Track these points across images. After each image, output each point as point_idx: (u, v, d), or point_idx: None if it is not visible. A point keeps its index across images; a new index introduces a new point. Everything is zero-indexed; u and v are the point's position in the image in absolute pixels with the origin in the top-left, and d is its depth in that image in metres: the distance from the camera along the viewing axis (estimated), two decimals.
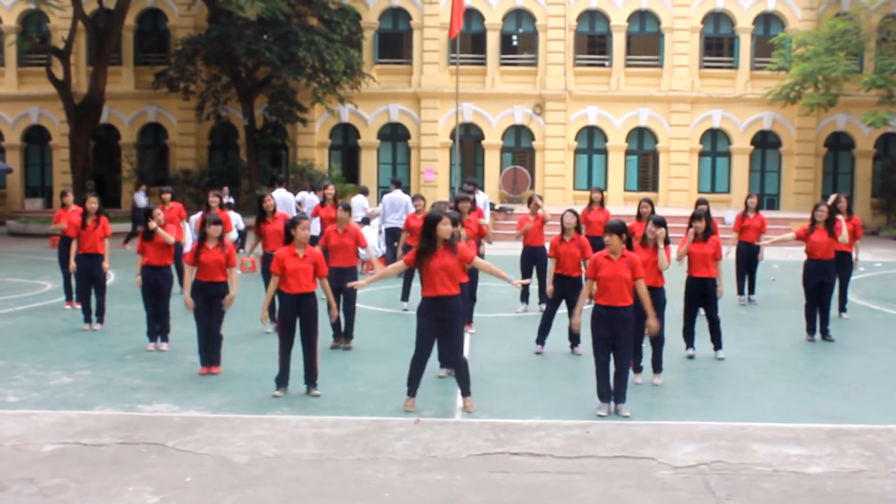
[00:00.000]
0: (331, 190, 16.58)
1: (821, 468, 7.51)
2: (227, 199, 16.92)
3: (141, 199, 26.50)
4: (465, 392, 9.28)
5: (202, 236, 10.83)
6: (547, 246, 12.66)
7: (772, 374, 11.11)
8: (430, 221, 9.10)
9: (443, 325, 9.13)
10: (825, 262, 13.06)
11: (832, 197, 14.70)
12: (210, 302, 10.78)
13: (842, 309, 14.93)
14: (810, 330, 13.15)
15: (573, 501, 6.79)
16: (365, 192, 23.40)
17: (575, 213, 12.18)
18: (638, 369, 10.46)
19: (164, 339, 12.16)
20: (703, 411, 9.41)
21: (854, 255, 14.87)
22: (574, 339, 12.03)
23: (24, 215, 33.78)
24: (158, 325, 12.19)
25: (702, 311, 12.01)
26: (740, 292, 16.31)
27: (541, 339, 12.15)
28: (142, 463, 7.50)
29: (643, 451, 7.89)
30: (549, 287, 11.96)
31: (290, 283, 9.76)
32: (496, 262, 17.41)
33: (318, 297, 9.98)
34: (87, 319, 13.61)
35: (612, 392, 9.22)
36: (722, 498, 6.84)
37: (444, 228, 9.04)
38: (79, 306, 14.28)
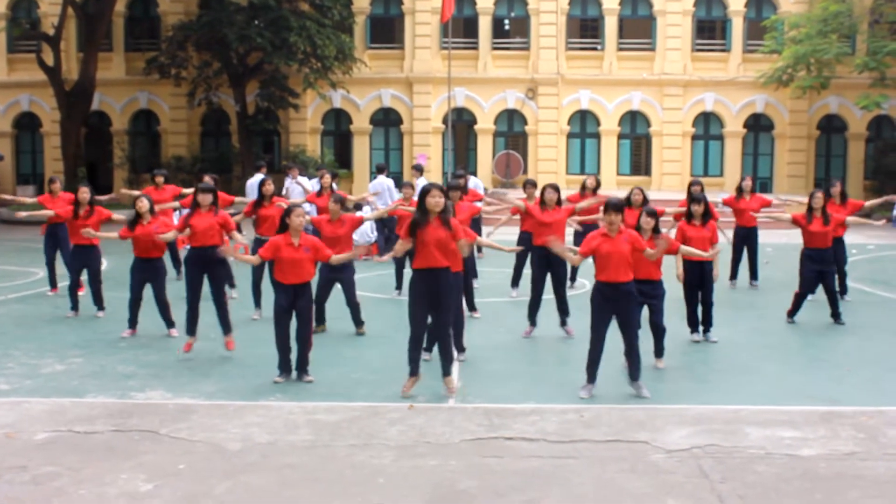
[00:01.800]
0: (326, 179, 16.17)
1: (814, 451, 7.52)
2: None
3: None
4: (447, 371, 9.27)
5: (194, 205, 10.92)
6: None
7: (765, 357, 11.13)
8: (421, 194, 9.13)
9: (435, 299, 9.08)
10: (823, 251, 13.06)
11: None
12: (206, 270, 10.79)
13: (843, 292, 14.91)
14: (792, 313, 13.19)
15: (568, 486, 6.79)
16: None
17: (556, 189, 12.13)
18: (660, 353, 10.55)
19: (171, 326, 12.09)
20: (697, 395, 9.43)
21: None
22: (563, 313, 12.06)
23: (16, 203, 33.61)
24: (162, 316, 12.06)
25: None
26: (733, 276, 16.31)
27: (532, 318, 12.14)
28: (135, 450, 7.49)
29: (637, 435, 7.90)
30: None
31: (285, 272, 9.66)
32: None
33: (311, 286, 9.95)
34: (74, 307, 13.52)
35: (596, 372, 9.28)
36: (716, 481, 6.85)
37: (433, 200, 8.99)
38: (53, 293, 14.48)
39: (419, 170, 20.44)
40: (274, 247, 9.71)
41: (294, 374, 9.83)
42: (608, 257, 9.11)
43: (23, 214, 14.63)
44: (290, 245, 9.68)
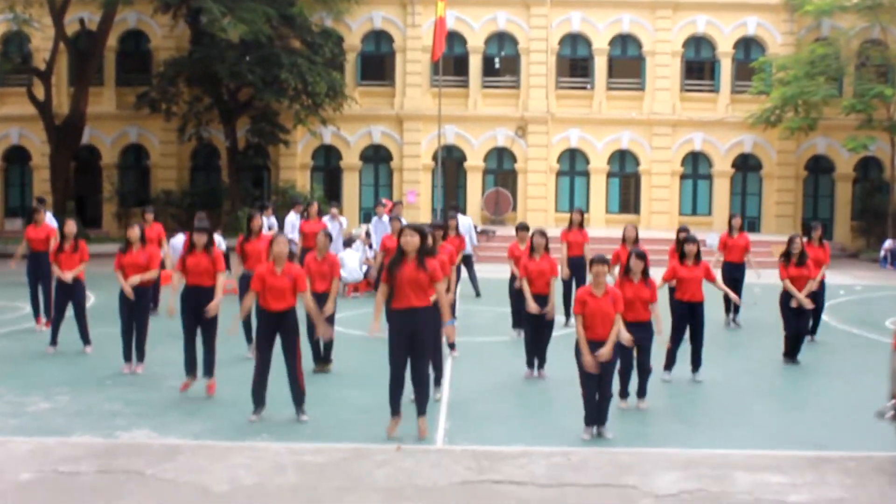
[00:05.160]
0: (314, 207, 18.43)
1: (802, 496, 7.51)
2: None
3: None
4: (421, 411, 9.27)
5: (190, 245, 10.98)
6: None
7: (753, 399, 11.14)
8: (398, 235, 9.33)
9: (413, 339, 9.10)
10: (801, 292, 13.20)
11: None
12: (199, 310, 10.78)
13: (812, 333, 14.99)
14: (789, 353, 13.29)
15: None
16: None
17: (544, 235, 12.19)
18: (624, 395, 10.48)
19: (140, 361, 12.11)
20: (685, 438, 9.42)
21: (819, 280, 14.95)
22: (542, 360, 12.08)
23: (4, 236, 33.57)
24: (136, 347, 12.13)
25: None
26: (727, 312, 16.42)
27: (530, 363, 12.12)
28: (120, 492, 7.43)
29: (626, 480, 7.88)
30: (533, 306, 11.91)
31: (268, 299, 9.74)
32: (483, 283, 17.25)
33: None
34: (53, 341, 13.44)
35: (594, 415, 9.30)
36: None
37: (406, 240, 9.09)
38: (46, 328, 14.30)
39: (454, 208, 21.06)
40: (260, 278, 9.80)
41: (284, 411, 9.80)
42: (593, 317, 9.23)
43: (20, 252, 14.66)
44: (273, 273, 9.76)
